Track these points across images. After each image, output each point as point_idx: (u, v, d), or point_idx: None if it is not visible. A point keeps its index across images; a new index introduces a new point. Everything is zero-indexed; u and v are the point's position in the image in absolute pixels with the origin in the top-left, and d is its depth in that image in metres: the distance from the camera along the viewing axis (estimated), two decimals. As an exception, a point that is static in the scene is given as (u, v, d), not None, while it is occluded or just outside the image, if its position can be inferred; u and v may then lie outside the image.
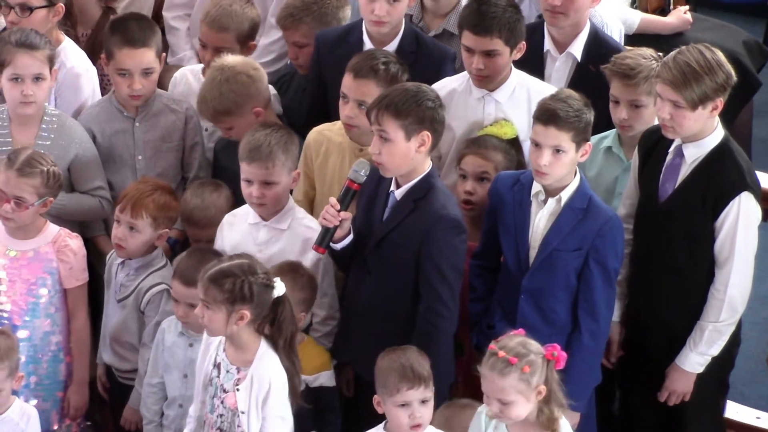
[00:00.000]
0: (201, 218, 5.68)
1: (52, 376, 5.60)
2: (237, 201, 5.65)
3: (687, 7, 6.99)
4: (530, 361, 4.58)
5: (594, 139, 5.61)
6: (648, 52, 5.50)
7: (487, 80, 5.61)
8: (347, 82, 5.49)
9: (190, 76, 6.25)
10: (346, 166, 5.58)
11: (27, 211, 5.43)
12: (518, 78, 5.67)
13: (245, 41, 6.13)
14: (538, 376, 4.59)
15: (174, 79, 6.25)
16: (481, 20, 5.49)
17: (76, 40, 6.34)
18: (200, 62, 6.31)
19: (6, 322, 5.48)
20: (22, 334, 5.49)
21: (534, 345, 4.63)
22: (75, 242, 5.57)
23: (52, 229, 5.55)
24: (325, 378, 5.33)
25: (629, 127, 5.50)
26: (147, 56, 5.85)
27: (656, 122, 5.33)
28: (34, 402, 5.51)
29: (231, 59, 5.84)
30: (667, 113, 5.08)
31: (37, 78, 5.71)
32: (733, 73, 5.09)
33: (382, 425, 4.95)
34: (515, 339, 4.65)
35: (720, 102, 5.06)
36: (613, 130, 5.63)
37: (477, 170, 5.50)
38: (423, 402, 4.86)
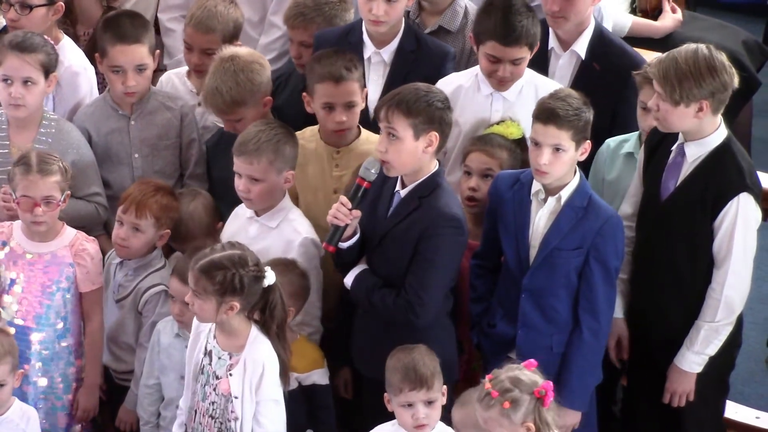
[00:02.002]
0: (177, 233, 5.67)
1: (61, 379, 5.58)
2: (229, 198, 5.64)
3: (673, 6, 6.95)
4: (512, 398, 4.50)
5: (613, 142, 5.65)
6: None
7: (508, 85, 5.65)
8: (330, 91, 5.50)
9: (175, 79, 6.26)
10: (326, 171, 5.62)
11: (57, 209, 5.44)
12: (527, 76, 5.68)
13: (230, 41, 6.11)
14: (522, 413, 4.50)
15: (159, 82, 6.25)
16: (511, 32, 5.50)
17: (76, 38, 6.34)
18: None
19: (20, 323, 5.48)
20: (34, 336, 5.49)
21: (525, 381, 4.53)
22: (92, 246, 5.56)
23: (70, 232, 5.55)
24: (318, 376, 5.32)
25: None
26: (139, 52, 5.84)
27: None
28: (42, 404, 5.50)
29: (237, 50, 5.85)
30: (654, 104, 5.12)
31: (27, 81, 5.69)
32: (730, 81, 5.06)
33: (396, 420, 4.96)
34: (510, 372, 4.57)
35: (705, 105, 5.04)
36: (634, 134, 5.63)
37: (482, 167, 5.51)
38: (429, 403, 4.86)
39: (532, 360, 4.64)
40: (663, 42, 6.52)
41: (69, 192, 5.48)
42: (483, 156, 5.51)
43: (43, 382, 5.53)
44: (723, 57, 5.09)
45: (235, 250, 4.86)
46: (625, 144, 5.64)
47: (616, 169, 5.63)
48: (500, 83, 5.63)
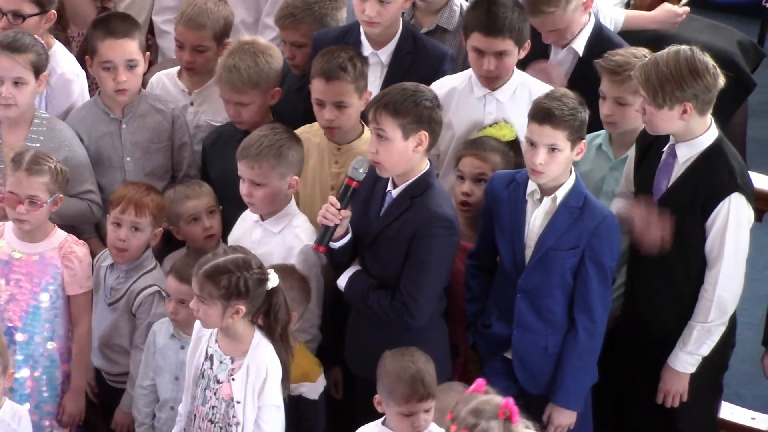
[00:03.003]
0: (188, 208, 5.68)
1: (47, 383, 5.56)
2: (227, 197, 5.63)
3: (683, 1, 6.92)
4: (481, 430, 4.25)
5: (588, 137, 5.61)
6: (641, 51, 5.51)
7: (496, 81, 5.63)
8: (320, 87, 5.52)
9: (165, 80, 6.25)
10: (326, 166, 5.62)
11: (41, 210, 5.41)
12: (520, 78, 5.68)
13: (221, 39, 6.14)
14: None
15: (150, 84, 6.25)
16: (493, 22, 5.50)
17: (67, 41, 6.34)
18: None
19: (7, 324, 5.45)
20: (20, 337, 5.47)
21: (486, 408, 4.24)
22: (81, 249, 5.54)
23: (60, 234, 5.53)
24: (306, 389, 5.28)
25: (613, 124, 5.51)
26: (130, 47, 5.83)
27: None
28: (29, 407, 5.45)
29: (256, 37, 5.93)
30: (640, 107, 5.14)
31: (17, 82, 5.69)
32: (713, 82, 5.06)
33: (380, 420, 4.93)
34: (468, 404, 4.32)
35: (689, 107, 5.04)
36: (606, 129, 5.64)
37: (474, 171, 5.50)
38: (426, 411, 4.83)
39: (479, 380, 4.44)
40: (661, 42, 6.48)
41: (61, 195, 5.47)
42: (475, 160, 5.50)
43: (28, 383, 5.51)
44: (707, 58, 5.09)
45: (237, 253, 4.84)
46: (597, 138, 5.63)
47: (587, 162, 5.60)
48: (487, 79, 5.62)
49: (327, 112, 5.52)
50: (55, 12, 6.05)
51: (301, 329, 5.38)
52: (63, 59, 6.09)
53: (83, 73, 6.13)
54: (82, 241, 5.60)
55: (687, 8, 6.72)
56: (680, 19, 6.64)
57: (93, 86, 6.20)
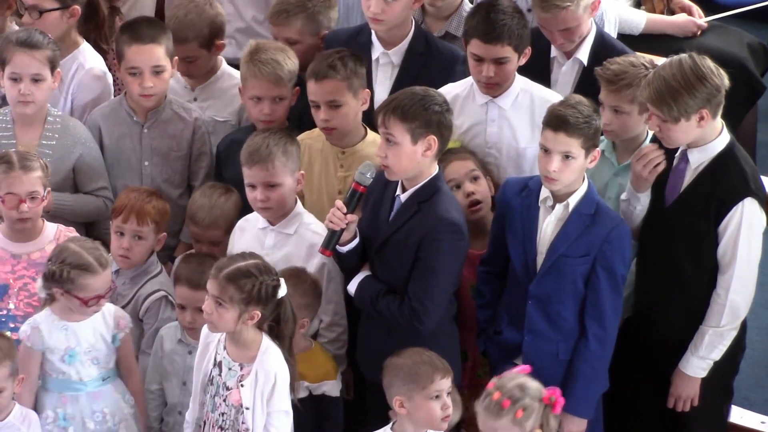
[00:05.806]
0: (204, 218, 5.64)
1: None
2: (243, 205, 5.62)
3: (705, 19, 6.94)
4: (525, 405, 4.53)
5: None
6: (640, 60, 5.49)
7: (496, 88, 5.62)
8: (312, 89, 5.52)
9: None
10: (330, 171, 5.62)
11: (42, 204, 5.43)
12: (521, 84, 5.67)
13: (211, 42, 6.11)
14: (533, 420, 4.53)
15: None
16: (491, 29, 5.49)
17: (106, 40, 6.32)
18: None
19: (17, 324, 5.41)
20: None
21: (533, 388, 4.57)
22: (74, 235, 5.53)
23: (51, 227, 5.54)
24: (329, 387, 5.31)
25: (611, 132, 5.49)
26: (156, 53, 5.80)
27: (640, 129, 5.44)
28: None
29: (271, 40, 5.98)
30: (655, 126, 5.13)
31: (36, 78, 5.69)
32: (721, 82, 5.05)
33: (389, 426, 4.94)
34: (516, 380, 4.58)
35: (706, 113, 5.04)
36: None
37: (466, 170, 5.51)
38: (449, 393, 4.87)
39: (525, 366, 4.65)
40: (665, 45, 6.49)
41: (49, 188, 5.47)
42: (460, 162, 5.53)
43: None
44: (707, 61, 5.09)
45: (255, 259, 4.84)
46: (600, 144, 5.62)
47: (592, 168, 5.58)
48: (486, 86, 5.61)
49: (322, 113, 5.52)
50: (78, 8, 6.02)
51: (333, 322, 5.43)
52: (91, 56, 6.11)
53: (110, 74, 6.15)
54: (71, 227, 5.61)
55: (705, 24, 6.78)
56: (696, 30, 6.71)
57: (117, 91, 6.21)
